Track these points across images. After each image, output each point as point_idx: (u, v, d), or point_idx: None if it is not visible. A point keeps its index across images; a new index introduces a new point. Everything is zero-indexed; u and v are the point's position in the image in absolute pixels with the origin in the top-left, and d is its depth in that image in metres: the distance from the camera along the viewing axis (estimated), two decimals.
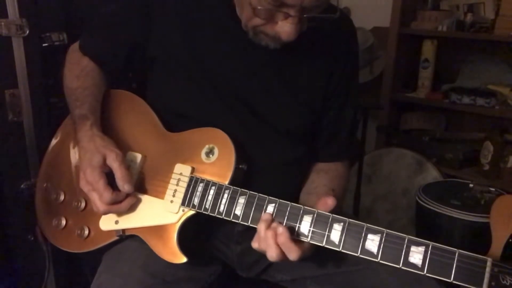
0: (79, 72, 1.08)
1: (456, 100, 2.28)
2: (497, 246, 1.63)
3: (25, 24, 1.29)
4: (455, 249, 0.73)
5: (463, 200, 1.97)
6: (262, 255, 1.06)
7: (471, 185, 2.06)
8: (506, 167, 2.17)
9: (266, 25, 0.87)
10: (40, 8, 1.35)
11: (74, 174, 1.07)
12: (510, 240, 1.60)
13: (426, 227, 2.05)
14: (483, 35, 2.21)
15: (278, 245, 0.82)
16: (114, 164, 0.91)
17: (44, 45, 1.38)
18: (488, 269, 0.71)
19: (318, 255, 0.90)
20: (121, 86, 1.13)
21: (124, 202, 0.93)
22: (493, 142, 2.16)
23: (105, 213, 0.94)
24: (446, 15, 2.35)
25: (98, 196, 0.90)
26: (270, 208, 0.86)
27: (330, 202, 0.85)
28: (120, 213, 0.96)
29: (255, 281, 1.12)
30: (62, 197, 1.07)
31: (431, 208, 1.96)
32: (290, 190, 1.04)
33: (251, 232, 0.87)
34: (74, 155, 1.08)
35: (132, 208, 0.95)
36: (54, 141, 1.15)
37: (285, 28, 0.85)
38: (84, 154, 0.93)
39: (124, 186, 0.91)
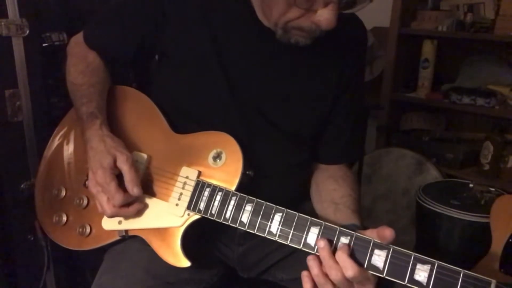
0: (84, 68, 1.06)
1: (456, 100, 2.27)
2: (497, 246, 1.63)
3: (25, 24, 1.29)
4: (460, 269, 0.73)
5: (463, 200, 1.97)
6: (262, 256, 1.07)
7: (471, 185, 2.06)
8: (506, 167, 2.17)
9: (302, 18, 0.85)
10: (40, 8, 1.35)
11: (76, 170, 1.06)
12: (510, 240, 1.60)
13: (426, 227, 2.05)
14: (483, 35, 2.21)
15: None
16: (124, 166, 0.90)
17: (44, 45, 1.38)
18: None
19: None
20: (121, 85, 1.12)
21: (132, 207, 0.92)
22: (493, 142, 2.16)
23: (112, 216, 0.93)
24: (446, 15, 2.35)
25: (107, 198, 0.89)
26: (277, 217, 0.85)
27: (388, 233, 0.78)
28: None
29: (256, 282, 1.12)
30: (63, 193, 1.06)
31: (431, 208, 1.96)
32: (294, 193, 1.04)
33: (253, 234, 0.87)
34: (75, 151, 1.07)
35: None
36: (55, 136, 1.14)
37: (325, 16, 0.83)
38: (94, 155, 0.92)
39: (134, 189, 0.90)
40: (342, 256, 0.77)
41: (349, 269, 0.76)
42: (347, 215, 0.98)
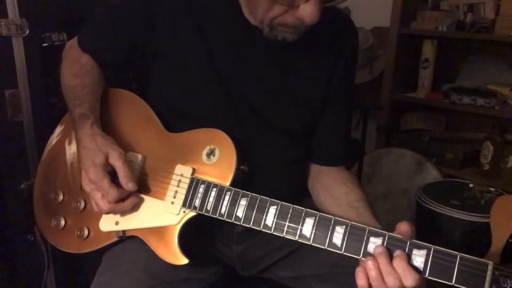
0: (78, 70, 1.07)
1: (456, 100, 2.28)
2: (497, 246, 1.63)
3: (25, 24, 1.29)
4: (457, 253, 0.73)
5: (463, 200, 1.97)
6: (262, 255, 1.07)
7: (471, 185, 2.06)
8: (506, 167, 2.18)
9: (285, 14, 0.86)
10: (40, 8, 1.35)
11: (72, 173, 1.06)
12: (510, 240, 1.60)
13: (426, 227, 2.05)
14: (483, 35, 2.21)
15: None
16: (117, 162, 0.90)
17: (44, 45, 1.39)
18: (489, 273, 0.71)
19: (321, 253, 0.89)
20: (121, 86, 1.11)
21: (127, 201, 0.93)
22: (493, 142, 2.16)
23: (108, 212, 0.93)
24: (446, 15, 2.35)
25: (101, 195, 0.90)
26: (272, 210, 0.85)
27: (406, 227, 0.80)
28: (121, 213, 0.96)
29: (256, 280, 1.12)
30: (61, 197, 1.06)
31: (431, 208, 1.96)
32: (290, 190, 1.04)
33: (251, 232, 0.87)
34: (71, 154, 1.07)
35: (132, 209, 0.95)
36: (52, 140, 1.14)
37: (308, 10, 0.84)
38: (86, 153, 0.92)
39: (128, 184, 0.90)
40: (401, 264, 0.74)
41: (409, 277, 0.73)
42: (371, 219, 0.98)
